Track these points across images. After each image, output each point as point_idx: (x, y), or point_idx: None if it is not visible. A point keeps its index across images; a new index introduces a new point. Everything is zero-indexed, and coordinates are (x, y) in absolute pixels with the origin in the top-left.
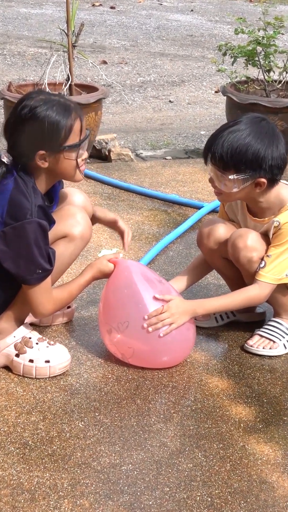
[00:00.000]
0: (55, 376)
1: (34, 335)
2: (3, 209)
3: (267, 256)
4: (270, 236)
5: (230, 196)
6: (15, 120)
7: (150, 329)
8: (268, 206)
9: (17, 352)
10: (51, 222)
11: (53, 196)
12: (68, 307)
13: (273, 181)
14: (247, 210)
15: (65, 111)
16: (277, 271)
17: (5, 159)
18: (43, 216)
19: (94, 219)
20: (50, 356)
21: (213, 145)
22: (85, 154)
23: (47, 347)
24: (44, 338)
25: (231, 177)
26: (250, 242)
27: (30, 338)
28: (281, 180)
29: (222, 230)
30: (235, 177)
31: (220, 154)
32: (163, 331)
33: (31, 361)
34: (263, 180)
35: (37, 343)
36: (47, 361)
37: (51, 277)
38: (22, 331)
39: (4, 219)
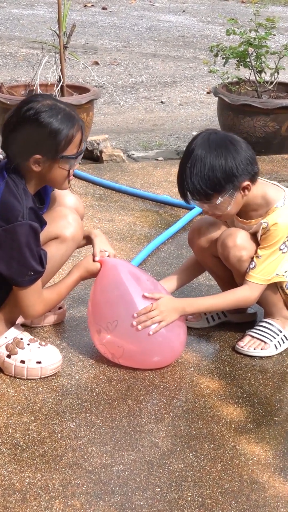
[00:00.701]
0: (47, 377)
1: (26, 336)
2: None
3: (257, 257)
4: (259, 237)
5: (229, 214)
6: (18, 120)
7: (139, 327)
8: (256, 208)
9: (8, 353)
10: (43, 223)
11: (44, 198)
12: (60, 308)
13: (254, 176)
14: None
15: (69, 120)
16: (266, 272)
17: None
18: (34, 218)
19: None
20: (41, 357)
21: (184, 185)
22: (77, 165)
23: (39, 348)
24: (35, 339)
25: (218, 201)
26: (239, 241)
27: (21, 339)
28: (267, 180)
29: (213, 229)
30: (221, 199)
31: (196, 190)
32: (152, 329)
33: (22, 362)
34: (246, 183)
35: (28, 344)
36: (39, 362)
37: (42, 278)
38: (14, 332)
39: None
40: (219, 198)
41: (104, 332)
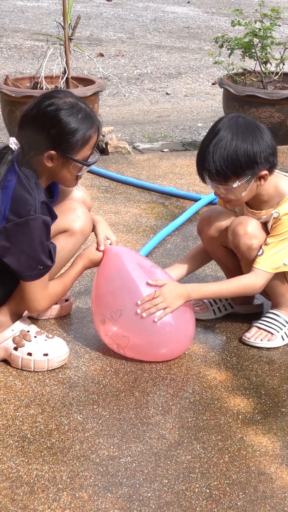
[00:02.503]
0: (54, 369)
1: (33, 328)
2: (6, 205)
3: (265, 244)
4: (269, 227)
5: (240, 201)
6: (37, 113)
7: (144, 314)
8: (268, 199)
9: (15, 345)
10: (54, 217)
11: (53, 190)
12: (66, 300)
13: (272, 168)
14: (245, 203)
15: (88, 121)
16: (274, 259)
17: (13, 146)
18: (46, 212)
19: None
20: (48, 349)
21: (205, 164)
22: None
23: (46, 340)
24: (42, 331)
25: (235, 185)
26: (250, 229)
27: (28, 331)
28: (280, 172)
29: (223, 218)
30: (239, 183)
31: (216, 170)
32: (157, 316)
33: (29, 354)
34: (264, 172)
35: (35, 337)
36: (46, 354)
37: (50, 272)
38: (20, 325)
39: (7, 215)
40: (237, 182)
41: (109, 322)
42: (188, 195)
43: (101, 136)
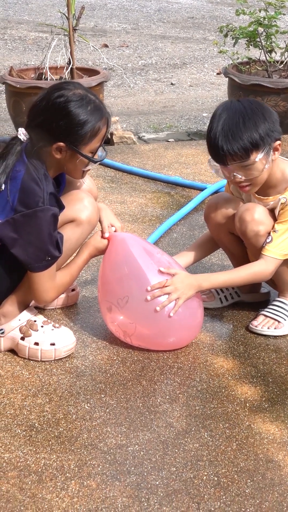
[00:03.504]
0: (61, 358)
1: (39, 318)
2: (15, 196)
3: (274, 231)
4: (277, 213)
5: (262, 178)
6: (47, 104)
7: (158, 308)
8: (275, 184)
9: (22, 335)
10: (61, 208)
11: (60, 180)
12: (73, 290)
13: (280, 139)
14: None
15: (97, 113)
16: (284, 246)
17: (21, 136)
18: (54, 203)
19: None
20: (55, 338)
21: (223, 145)
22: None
23: (52, 330)
24: (49, 321)
25: (257, 158)
26: (257, 215)
27: (35, 321)
28: (286, 158)
29: (230, 204)
30: (261, 155)
31: (237, 147)
32: (170, 309)
33: (36, 344)
34: (278, 142)
35: (42, 326)
36: (53, 344)
37: (58, 262)
38: (27, 315)
39: (15, 206)
40: (258, 154)
41: (115, 309)
42: (194, 185)
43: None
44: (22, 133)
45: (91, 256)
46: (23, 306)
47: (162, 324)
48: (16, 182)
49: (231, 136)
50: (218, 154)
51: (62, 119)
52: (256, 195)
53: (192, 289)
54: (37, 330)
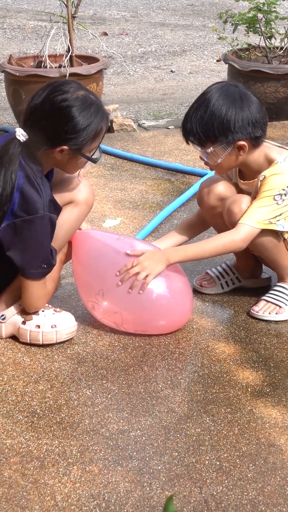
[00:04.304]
0: (62, 345)
1: None
2: (15, 201)
3: (250, 205)
4: (258, 190)
5: (221, 167)
6: (49, 108)
7: (130, 290)
8: (259, 168)
9: (23, 319)
10: (59, 212)
11: (49, 172)
12: None
13: (255, 140)
14: (239, 174)
15: (99, 114)
16: (256, 213)
17: (21, 138)
18: (53, 210)
19: None
20: (56, 321)
21: (186, 125)
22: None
23: (53, 313)
24: (50, 306)
25: (209, 150)
26: (244, 206)
27: None
28: (272, 143)
29: (221, 187)
30: (212, 149)
31: (192, 132)
32: (140, 287)
33: (37, 326)
34: (242, 142)
35: (43, 311)
36: (54, 326)
37: (58, 245)
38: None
39: (15, 211)
40: (211, 147)
41: (97, 305)
42: (194, 171)
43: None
44: (21, 134)
45: (61, 262)
46: None
47: (144, 305)
48: (16, 188)
49: (193, 120)
50: (182, 131)
51: (66, 124)
52: (242, 181)
53: (160, 264)
54: (38, 314)
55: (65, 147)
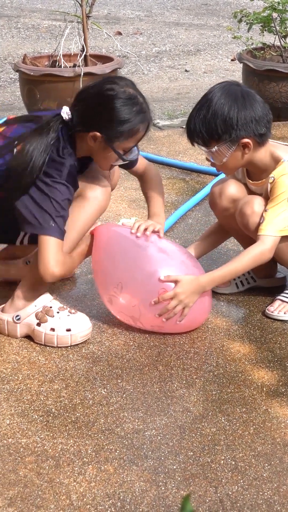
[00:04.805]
0: (77, 344)
1: (55, 304)
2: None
3: (265, 210)
4: (269, 193)
5: (227, 167)
6: (96, 93)
7: (164, 319)
8: (265, 167)
9: (38, 321)
10: (76, 187)
11: (87, 163)
12: None
13: (260, 138)
14: (247, 175)
15: (141, 115)
16: (277, 222)
17: (64, 115)
18: (71, 181)
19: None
20: (71, 324)
21: (190, 126)
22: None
23: (68, 315)
24: (65, 307)
25: (213, 149)
26: (257, 207)
27: (51, 307)
28: (278, 142)
29: (233, 189)
30: (217, 148)
31: (196, 132)
32: (178, 321)
33: (52, 329)
34: (246, 140)
35: (58, 312)
36: (68, 330)
37: (70, 242)
38: (43, 300)
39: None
40: (215, 147)
41: (115, 298)
42: (209, 170)
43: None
44: (65, 112)
45: (82, 254)
46: (38, 292)
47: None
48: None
49: (196, 120)
50: (186, 131)
51: (105, 111)
52: (250, 181)
53: (196, 295)
54: (53, 316)
55: (98, 134)
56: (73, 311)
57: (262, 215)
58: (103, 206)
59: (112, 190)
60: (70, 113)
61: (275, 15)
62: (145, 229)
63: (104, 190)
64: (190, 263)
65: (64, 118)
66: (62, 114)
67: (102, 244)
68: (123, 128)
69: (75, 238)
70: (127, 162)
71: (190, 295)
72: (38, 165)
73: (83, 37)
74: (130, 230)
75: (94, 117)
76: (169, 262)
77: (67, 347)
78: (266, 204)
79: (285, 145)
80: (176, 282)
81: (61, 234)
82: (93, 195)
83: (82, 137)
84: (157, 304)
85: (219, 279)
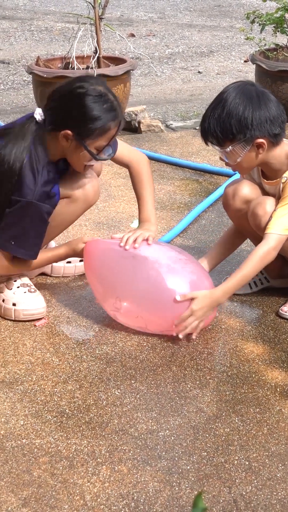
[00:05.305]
0: (91, 345)
1: (22, 280)
2: None
3: (274, 211)
4: (281, 193)
5: (241, 167)
6: (66, 92)
7: (180, 336)
8: (280, 167)
9: None
10: (53, 207)
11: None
12: (81, 261)
13: (274, 138)
14: (262, 175)
15: (111, 113)
16: (283, 220)
17: (37, 116)
18: (45, 201)
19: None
20: (19, 300)
21: (204, 125)
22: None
23: (25, 293)
24: (28, 284)
25: (228, 149)
26: (269, 208)
27: (15, 281)
28: None
29: (246, 189)
30: (231, 147)
31: (210, 132)
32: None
33: (3, 301)
34: (261, 140)
35: (18, 287)
36: (14, 304)
37: (49, 235)
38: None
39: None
40: (229, 146)
41: (118, 312)
42: (222, 171)
43: (133, 116)
44: (38, 113)
45: (66, 256)
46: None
47: (166, 306)
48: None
49: (210, 120)
50: (200, 131)
51: (75, 108)
52: (265, 180)
53: (211, 309)
54: (11, 289)
55: (69, 132)
56: (32, 290)
57: (271, 214)
58: (91, 201)
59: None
60: (42, 114)
61: (287, 16)
62: (134, 241)
63: (91, 186)
64: (179, 266)
65: (37, 119)
66: (35, 115)
67: (92, 262)
68: (94, 125)
69: (60, 229)
70: (100, 160)
71: (206, 310)
72: (16, 169)
73: (96, 39)
74: (119, 243)
75: (65, 115)
76: (159, 268)
77: (81, 347)
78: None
79: None
80: (192, 299)
81: (12, 249)
82: (83, 193)
83: (55, 138)
84: (161, 310)
85: (233, 289)
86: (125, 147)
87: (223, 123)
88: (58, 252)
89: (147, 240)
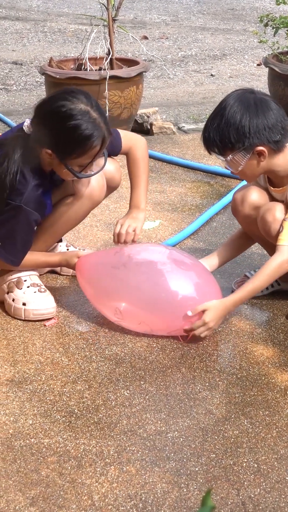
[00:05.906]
0: (100, 345)
1: (32, 279)
2: None
3: (285, 220)
4: None
5: (245, 175)
6: (47, 110)
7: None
8: (286, 173)
9: (8, 290)
10: (42, 216)
11: None
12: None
13: (276, 144)
14: (269, 182)
15: (94, 131)
16: None
17: (26, 128)
18: (34, 207)
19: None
20: (29, 300)
21: (205, 135)
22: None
23: (35, 292)
24: (38, 284)
25: (228, 158)
26: (278, 214)
27: (25, 280)
28: None
29: (255, 195)
30: (231, 156)
31: (210, 141)
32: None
33: (13, 300)
34: (261, 148)
35: (28, 287)
36: (24, 304)
37: (53, 236)
38: (22, 273)
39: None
40: (230, 155)
41: (121, 322)
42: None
43: (145, 118)
44: (26, 126)
45: (59, 265)
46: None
47: (171, 306)
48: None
49: (210, 129)
50: (203, 141)
51: (55, 129)
52: (272, 188)
53: (222, 318)
54: (21, 289)
55: (49, 151)
56: (42, 289)
57: (282, 224)
58: (97, 199)
59: (115, 189)
60: (30, 126)
61: None
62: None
63: (96, 183)
64: (168, 268)
65: (26, 131)
66: (24, 127)
67: (85, 277)
68: (74, 146)
69: (63, 228)
70: (82, 177)
71: (218, 321)
72: (11, 180)
73: (109, 41)
74: (108, 252)
75: (45, 135)
76: (148, 272)
77: (91, 348)
78: (286, 212)
79: None
80: (203, 311)
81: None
82: (86, 190)
83: (40, 152)
84: (163, 312)
85: (244, 299)
86: (123, 137)
87: (222, 132)
88: (51, 259)
89: (134, 231)
